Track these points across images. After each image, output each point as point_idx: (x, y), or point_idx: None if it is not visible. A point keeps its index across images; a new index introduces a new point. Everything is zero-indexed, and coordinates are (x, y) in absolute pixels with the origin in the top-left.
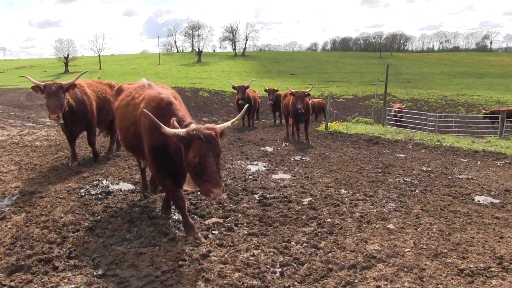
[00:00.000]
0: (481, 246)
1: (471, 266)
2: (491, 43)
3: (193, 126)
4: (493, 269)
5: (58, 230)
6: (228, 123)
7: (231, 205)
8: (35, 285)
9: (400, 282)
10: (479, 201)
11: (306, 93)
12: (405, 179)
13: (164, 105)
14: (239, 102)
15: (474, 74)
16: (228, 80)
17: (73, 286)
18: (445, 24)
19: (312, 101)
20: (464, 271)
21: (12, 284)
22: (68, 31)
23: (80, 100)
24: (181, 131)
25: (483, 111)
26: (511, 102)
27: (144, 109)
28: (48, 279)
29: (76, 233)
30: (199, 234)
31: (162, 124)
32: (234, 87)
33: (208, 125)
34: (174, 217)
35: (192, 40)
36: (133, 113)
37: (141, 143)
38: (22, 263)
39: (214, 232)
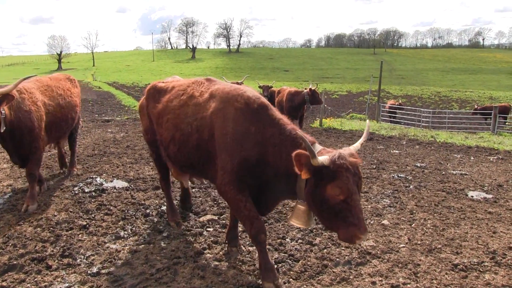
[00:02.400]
0: (475, 241)
1: (465, 261)
2: (483, 39)
3: (334, 152)
4: (486, 263)
5: (51, 228)
6: (358, 145)
7: (226, 202)
8: (28, 285)
9: (395, 277)
10: (472, 196)
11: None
12: (399, 175)
13: (256, 108)
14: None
15: (467, 71)
16: (222, 77)
17: (67, 285)
18: (438, 21)
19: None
20: (458, 266)
21: (4, 284)
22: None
23: (24, 114)
24: (325, 159)
25: (476, 106)
26: (503, 98)
27: (227, 113)
28: (41, 278)
29: (69, 231)
30: (280, 281)
31: (313, 151)
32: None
33: (346, 149)
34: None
35: (186, 37)
36: (196, 116)
37: (206, 156)
38: (15, 262)
39: (209, 229)
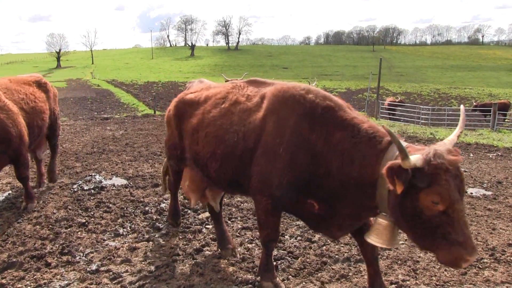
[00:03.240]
0: (474, 237)
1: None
2: (483, 36)
3: (426, 149)
4: (485, 260)
5: (50, 226)
6: (454, 138)
7: (225, 199)
8: (27, 282)
9: (394, 274)
10: (471, 193)
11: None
12: None
13: (320, 114)
14: None
15: (467, 67)
16: (221, 74)
17: (66, 282)
18: (437, 18)
19: None
20: None
21: (4, 281)
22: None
23: None
24: (417, 159)
25: (474, 103)
26: (502, 95)
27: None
28: (41, 275)
29: (68, 229)
30: (278, 279)
31: (405, 150)
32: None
33: (441, 144)
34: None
35: (185, 34)
36: (244, 122)
37: (250, 168)
38: (14, 260)
39: (208, 226)
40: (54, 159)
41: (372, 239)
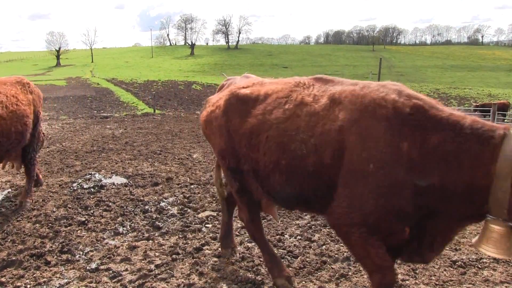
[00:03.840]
0: (473, 237)
1: (464, 257)
2: (482, 36)
3: None
4: (484, 260)
5: (50, 224)
6: None
7: None
8: (27, 280)
9: None
10: None
11: None
12: None
13: (409, 113)
14: None
15: (466, 68)
16: (221, 73)
17: (66, 280)
18: (437, 18)
19: None
20: (457, 263)
21: (3, 280)
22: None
23: None
24: None
25: (473, 104)
26: (502, 95)
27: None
28: (40, 274)
29: (68, 227)
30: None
31: None
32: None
33: None
34: (169, 212)
35: (185, 33)
36: (313, 131)
37: (325, 187)
38: (14, 258)
39: (207, 225)
40: (31, 178)
41: (487, 249)
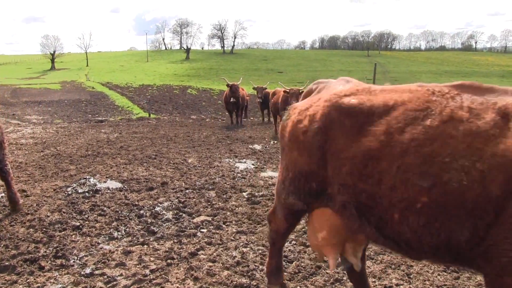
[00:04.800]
0: None
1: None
2: (476, 43)
3: None
4: None
5: (44, 229)
6: None
7: (220, 203)
8: (20, 286)
9: (388, 279)
10: None
11: (300, 91)
12: None
13: None
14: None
15: (460, 73)
16: (222, 78)
17: (60, 286)
18: (431, 24)
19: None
20: (450, 268)
21: None
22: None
23: None
24: None
25: None
26: None
27: None
28: (34, 279)
29: (63, 232)
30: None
31: None
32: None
33: None
34: (164, 217)
35: (181, 38)
36: (477, 156)
37: (487, 225)
38: (7, 263)
39: (202, 230)
40: (10, 188)
41: None
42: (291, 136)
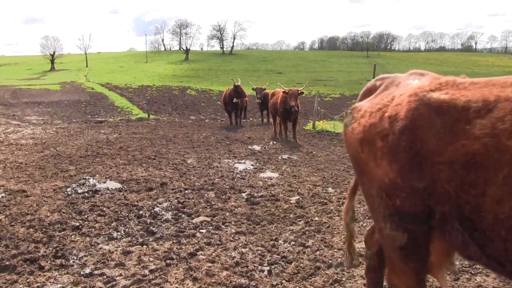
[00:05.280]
0: None
1: (457, 263)
2: (476, 43)
3: None
4: (478, 266)
5: (44, 229)
6: None
7: (219, 204)
8: (20, 286)
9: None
10: None
11: (299, 92)
12: None
13: None
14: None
15: (460, 74)
16: (231, 78)
17: (60, 285)
18: (431, 24)
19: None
20: (451, 268)
21: None
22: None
23: None
24: None
25: None
26: None
27: None
28: (34, 279)
29: (62, 232)
30: None
31: None
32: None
33: None
34: (164, 217)
35: (180, 39)
36: None
37: None
38: (7, 263)
39: (201, 231)
40: None
41: None
42: (365, 143)
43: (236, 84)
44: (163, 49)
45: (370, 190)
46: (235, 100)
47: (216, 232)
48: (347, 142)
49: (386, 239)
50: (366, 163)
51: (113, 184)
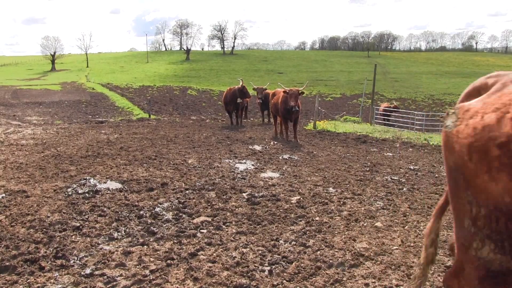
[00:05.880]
0: None
1: None
2: (476, 43)
3: None
4: None
5: (44, 229)
6: None
7: (220, 204)
8: (21, 286)
9: (388, 279)
10: None
11: (300, 91)
12: (393, 178)
13: None
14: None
15: (461, 74)
16: (238, 79)
17: (60, 286)
18: (432, 24)
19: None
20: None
21: None
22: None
23: None
24: None
25: None
26: None
27: None
28: (34, 279)
29: (63, 233)
30: None
31: None
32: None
33: None
34: (164, 217)
35: (181, 39)
36: None
37: None
38: (7, 263)
39: (202, 231)
40: None
41: None
42: (473, 151)
43: (243, 85)
44: (164, 49)
45: (473, 206)
46: (239, 100)
47: (217, 232)
48: (447, 147)
49: (475, 258)
50: (476, 174)
51: (113, 184)
